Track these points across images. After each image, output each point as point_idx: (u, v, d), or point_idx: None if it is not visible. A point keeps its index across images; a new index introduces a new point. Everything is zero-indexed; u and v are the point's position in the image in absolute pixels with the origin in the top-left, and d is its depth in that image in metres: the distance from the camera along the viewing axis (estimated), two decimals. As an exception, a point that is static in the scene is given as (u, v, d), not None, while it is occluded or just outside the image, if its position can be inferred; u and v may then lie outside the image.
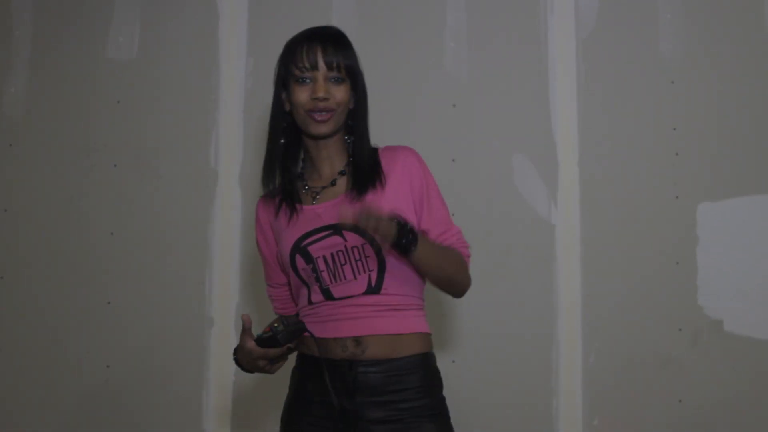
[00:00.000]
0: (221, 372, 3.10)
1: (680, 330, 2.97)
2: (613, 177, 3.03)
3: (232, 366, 3.07)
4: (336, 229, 2.03)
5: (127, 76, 3.25)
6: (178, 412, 3.11)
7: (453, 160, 3.08)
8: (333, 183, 2.12)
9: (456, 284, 2.12)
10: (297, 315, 2.13)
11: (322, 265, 2.03)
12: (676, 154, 3.02)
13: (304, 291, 2.09)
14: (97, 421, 3.14)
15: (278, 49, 3.19)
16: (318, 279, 2.04)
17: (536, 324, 3.01)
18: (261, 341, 1.96)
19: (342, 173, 2.13)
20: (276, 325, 1.97)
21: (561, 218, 3.03)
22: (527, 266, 3.02)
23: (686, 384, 2.95)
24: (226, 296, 3.12)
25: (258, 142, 3.16)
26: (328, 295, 2.03)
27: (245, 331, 1.99)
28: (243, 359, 2.04)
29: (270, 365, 2.02)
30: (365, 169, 2.09)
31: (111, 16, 3.28)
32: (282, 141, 2.13)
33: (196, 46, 3.23)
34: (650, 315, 2.98)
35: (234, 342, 3.08)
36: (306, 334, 2.01)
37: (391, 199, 2.05)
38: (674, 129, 3.03)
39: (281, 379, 3.07)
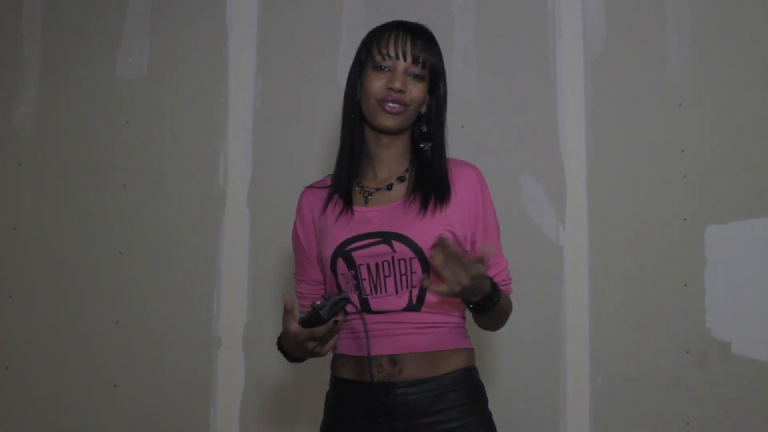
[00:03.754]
0: (229, 392, 3.09)
1: (688, 352, 2.97)
2: (620, 198, 3.04)
3: (240, 385, 3.09)
4: (385, 237, 1.91)
5: (136, 96, 3.26)
6: None
7: (461, 181, 3.08)
8: (389, 187, 2.01)
9: (499, 326, 2.08)
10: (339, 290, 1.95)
11: (364, 274, 1.91)
12: (684, 176, 3.02)
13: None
14: (104, 440, 3.15)
15: (287, 69, 3.24)
16: (358, 287, 1.92)
17: (544, 345, 3.01)
18: (305, 322, 1.81)
19: (401, 179, 2.02)
20: (317, 302, 1.82)
21: (569, 239, 3.04)
22: (535, 287, 3.02)
23: (694, 406, 2.94)
24: (234, 316, 3.12)
25: (266, 161, 3.17)
26: (365, 306, 1.91)
27: (287, 313, 1.83)
28: (289, 346, 1.89)
29: (320, 346, 1.84)
30: (436, 182, 1.98)
31: (120, 35, 3.29)
32: (358, 133, 2.02)
33: (205, 65, 3.24)
34: (658, 337, 2.98)
35: (242, 362, 3.10)
36: (348, 306, 1.86)
37: (448, 219, 1.95)
38: (682, 151, 3.03)
39: (289, 400, 3.07)
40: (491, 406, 2.04)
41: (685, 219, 3.00)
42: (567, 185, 3.05)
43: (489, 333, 2.10)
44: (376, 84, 1.95)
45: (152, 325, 3.16)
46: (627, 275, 3.01)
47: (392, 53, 1.95)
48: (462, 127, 3.11)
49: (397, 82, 1.93)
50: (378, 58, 1.96)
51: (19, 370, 3.22)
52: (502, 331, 2.99)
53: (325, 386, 2.08)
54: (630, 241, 3.02)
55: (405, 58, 1.95)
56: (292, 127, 3.18)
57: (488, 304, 1.85)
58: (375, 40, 1.99)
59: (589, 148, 3.06)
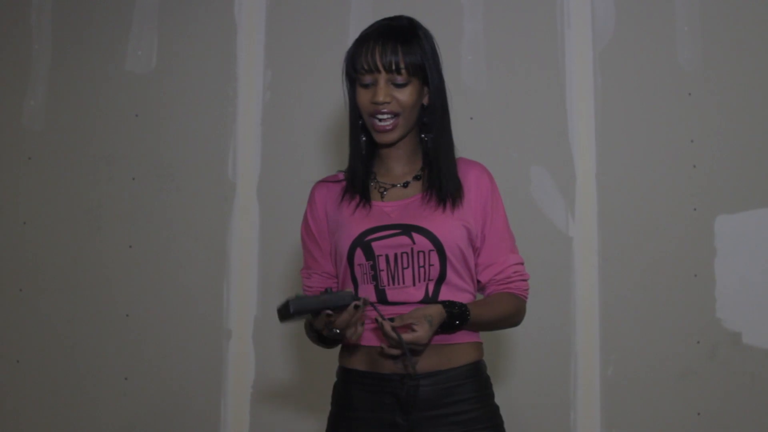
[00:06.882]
0: (239, 384, 3.10)
1: (698, 342, 2.96)
2: (630, 189, 3.03)
3: (250, 378, 3.10)
4: (405, 229, 1.94)
5: (145, 89, 3.26)
6: (196, 424, 3.12)
7: (470, 173, 3.08)
8: (405, 185, 2.03)
9: (509, 326, 2.11)
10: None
11: (382, 264, 1.94)
12: (694, 166, 3.02)
13: (351, 288, 1.98)
14: (116, 433, 3.16)
15: (296, 62, 3.24)
16: (375, 278, 1.94)
17: (554, 336, 3.01)
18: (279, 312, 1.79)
19: (417, 178, 2.04)
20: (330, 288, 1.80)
21: (578, 230, 3.03)
22: (545, 278, 3.01)
23: (705, 397, 2.95)
24: (244, 309, 3.13)
25: (276, 154, 3.17)
26: (381, 297, 1.93)
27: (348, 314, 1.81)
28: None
29: (338, 334, 1.83)
30: (445, 178, 2.00)
31: (129, 29, 3.29)
32: (363, 138, 2.03)
33: (214, 58, 3.25)
34: (668, 327, 2.97)
35: (252, 355, 3.11)
36: (357, 303, 1.79)
37: (463, 215, 1.99)
38: (692, 141, 3.02)
39: (300, 392, 3.08)
40: (501, 397, 2.05)
41: (695, 209, 3.00)
42: (576, 176, 3.05)
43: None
44: (363, 99, 1.97)
45: (162, 318, 3.17)
46: (637, 266, 3.01)
47: (366, 67, 1.95)
48: (471, 118, 3.11)
49: (379, 96, 1.94)
50: (359, 75, 1.97)
51: (30, 364, 3.23)
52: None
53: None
54: (640, 231, 3.02)
55: (380, 70, 1.94)
56: (301, 120, 3.18)
57: (452, 328, 1.90)
58: (353, 56, 1.99)
59: (598, 138, 3.05)
